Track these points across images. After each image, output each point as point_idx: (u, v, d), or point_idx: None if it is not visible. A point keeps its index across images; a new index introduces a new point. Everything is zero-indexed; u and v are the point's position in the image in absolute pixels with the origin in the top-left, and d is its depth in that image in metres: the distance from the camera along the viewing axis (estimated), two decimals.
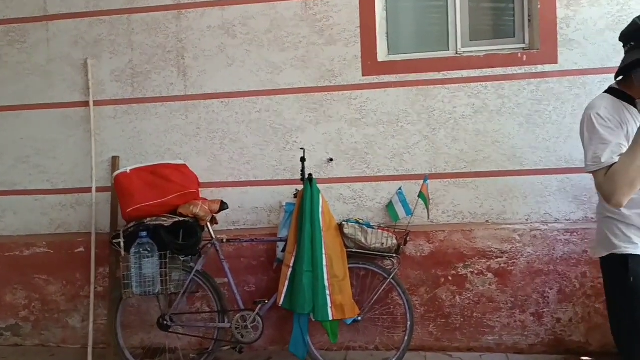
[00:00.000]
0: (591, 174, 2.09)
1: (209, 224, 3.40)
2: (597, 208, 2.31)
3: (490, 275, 3.51)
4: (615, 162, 1.99)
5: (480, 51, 3.59)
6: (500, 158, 3.53)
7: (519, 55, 3.48)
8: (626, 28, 2.13)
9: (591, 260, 3.40)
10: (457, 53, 3.64)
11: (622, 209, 2.06)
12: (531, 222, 3.51)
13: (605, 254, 2.18)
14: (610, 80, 3.35)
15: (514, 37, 3.62)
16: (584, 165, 2.13)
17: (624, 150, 2.00)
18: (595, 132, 2.05)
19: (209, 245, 3.42)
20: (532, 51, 3.49)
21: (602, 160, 2.02)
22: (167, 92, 3.81)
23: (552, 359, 3.43)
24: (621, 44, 3.29)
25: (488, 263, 3.50)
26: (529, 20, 3.57)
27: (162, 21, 3.77)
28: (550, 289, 3.46)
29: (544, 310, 3.48)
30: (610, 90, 2.17)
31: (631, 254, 2.09)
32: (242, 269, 3.66)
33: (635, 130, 2.00)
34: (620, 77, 2.15)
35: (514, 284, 3.49)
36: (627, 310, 2.10)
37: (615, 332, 2.21)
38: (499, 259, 3.49)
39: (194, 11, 3.74)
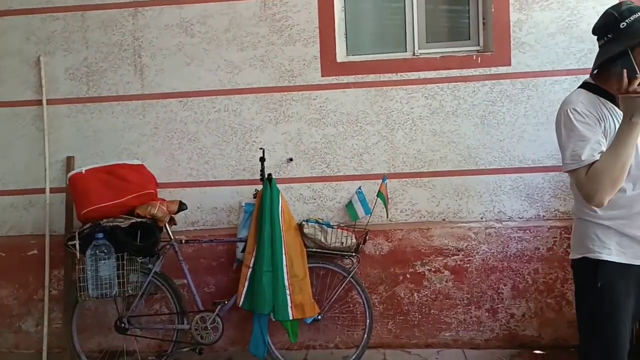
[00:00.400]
0: (568, 173, 2.04)
1: (167, 225, 3.42)
2: (573, 209, 2.24)
3: (447, 272, 3.64)
4: (597, 160, 1.93)
5: (436, 53, 3.71)
6: (456, 158, 3.67)
7: (474, 57, 3.62)
8: (600, 20, 2.06)
9: (543, 257, 3.57)
10: (414, 54, 3.75)
11: (599, 210, 2.04)
12: (486, 220, 3.66)
13: (578, 256, 2.15)
14: (561, 82, 3.56)
15: (469, 39, 3.76)
16: (563, 165, 2.05)
17: (603, 147, 1.96)
18: (573, 128, 1.99)
19: (168, 246, 3.45)
20: (486, 53, 3.64)
21: (583, 158, 1.95)
22: (123, 90, 3.80)
23: (506, 353, 3.59)
24: (571, 47, 3.47)
25: (445, 260, 3.63)
26: (484, 23, 3.71)
27: (118, 19, 3.77)
28: (504, 285, 3.62)
29: (499, 305, 3.64)
30: (585, 85, 2.11)
31: (603, 260, 2.06)
32: (201, 269, 3.69)
33: (612, 126, 1.98)
34: (595, 72, 2.08)
35: (469, 281, 3.63)
36: (590, 314, 2.09)
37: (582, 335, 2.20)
38: (455, 257, 3.63)
39: (151, 9, 3.74)
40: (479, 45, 3.74)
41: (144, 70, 3.78)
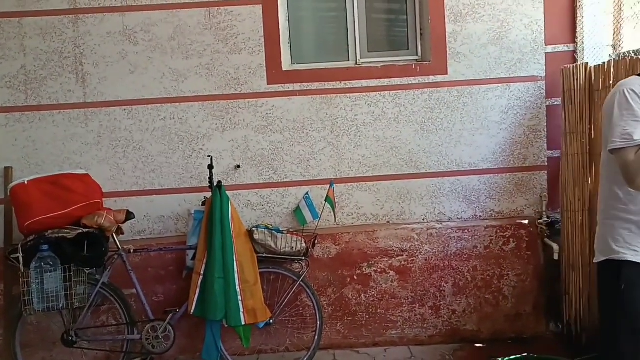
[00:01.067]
0: (613, 153, 2.01)
1: (114, 235, 3.47)
2: (601, 210, 2.22)
3: (392, 272, 3.88)
4: None
5: (377, 62, 3.96)
6: (399, 162, 3.92)
7: (413, 66, 3.90)
8: None
9: (480, 255, 3.88)
10: (356, 64, 3.99)
11: (632, 205, 2.05)
12: (427, 222, 3.94)
13: (602, 259, 2.16)
14: (493, 89, 3.89)
15: (408, 49, 4.04)
16: (609, 144, 2.01)
17: None
18: (629, 107, 1.97)
19: (115, 256, 3.50)
20: (424, 63, 3.92)
21: (635, 137, 1.93)
22: (64, 99, 3.81)
23: (449, 348, 3.85)
24: (502, 57, 3.80)
25: (390, 261, 3.88)
26: (421, 34, 4.00)
27: (57, 26, 3.78)
28: (446, 283, 3.90)
29: (441, 303, 3.91)
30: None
31: (628, 261, 2.06)
32: (150, 279, 3.75)
33: None
34: None
35: (413, 280, 3.89)
36: (616, 317, 2.11)
37: (604, 337, 2.23)
38: (399, 257, 3.87)
39: (93, 16, 3.78)
40: (417, 55, 4.02)
41: (86, 79, 3.81)
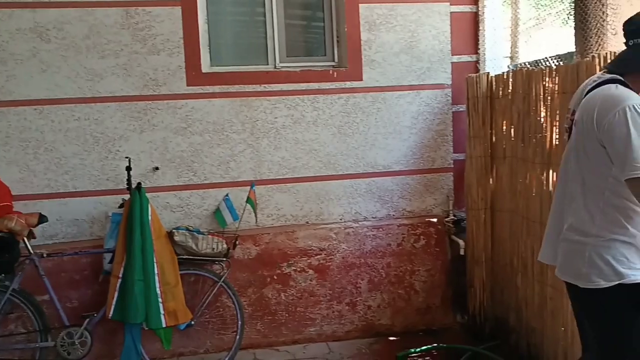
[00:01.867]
0: (632, 181, 1.85)
1: (25, 239, 3.41)
2: (585, 227, 2.06)
3: (311, 271, 4.08)
4: None
5: (296, 67, 4.15)
6: (317, 164, 4.13)
7: (330, 72, 4.12)
8: None
9: (394, 252, 4.16)
10: (275, 67, 4.15)
11: (633, 229, 1.97)
12: (345, 221, 4.18)
13: (605, 285, 1.99)
14: (404, 96, 4.19)
15: (325, 55, 4.26)
16: (627, 169, 1.85)
17: None
18: None
19: (27, 261, 3.43)
20: (341, 69, 4.16)
21: None
22: None
23: (365, 342, 4.09)
24: (413, 65, 4.10)
25: (309, 260, 4.07)
26: (338, 41, 4.23)
27: None
28: (362, 280, 4.15)
29: (357, 299, 4.16)
30: (618, 81, 2.00)
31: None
32: (64, 284, 3.69)
33: None
34: (626, 69, 2.03)
35: (331, 278, 4.10)
36: (631, 342, 2.01)
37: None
38: (318, 256, 4.08)
39: (0, 12, 3.68)
40: (334, 61, 4.25)
41: None
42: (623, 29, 2.07)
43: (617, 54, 2.19)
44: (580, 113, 2.05)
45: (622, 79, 2.00)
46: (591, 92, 2.03)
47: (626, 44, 2.06)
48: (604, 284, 1.98)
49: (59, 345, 3.41)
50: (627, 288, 1.96)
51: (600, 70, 2.37)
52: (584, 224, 2.04)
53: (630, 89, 1.97)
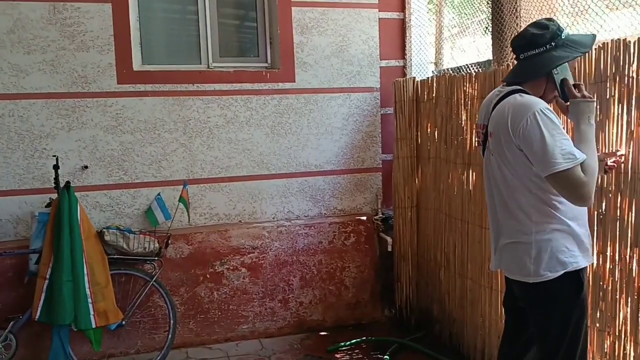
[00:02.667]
0: (556, 174, 1.98)
1: None
2: (523, 228, 2.18)
3: (244, 269, 4.14)
4: (586, 158, 1.99)
5: (229, 67, 4.19)
6: (250, 164, 4.20)
7: (263, 73, 4.20)
8: (537, 30, 2.15)
9: (325, 249, 4.29)
10: (208, 67, 4.18)
11: (568, 220, 2.11)
12: (277, 220, 4.26)
13: (552, 276, 2.12)
14: (335, 98, 4.32)
15: (258, 56, 4.33)
16: (547, 167, 1.98)
17: None
18: (555, 127, 1.99)
19: None
20: (274, 70, 4.24)
21: (577, 156, 1.96)
22: None
23: (297, 338, 4.19)
24: (343, 69, 4.24)
25: (242, 259, 4.12)
26: (271, 43, 4.31)
27: None
28: (294, 277, 4.25)
29: (289, 296, 4.26)
30: (522, 92, 2.16)
31: (582, 268, 2.14)
32: None
33: None
34: (527, 80, 2.18)
35: (264, 276, 4.18)
36: (576, 324, 2.15)
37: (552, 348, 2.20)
38: (251, 255, 4.14)
39: None
40: (267, 62, 4.33)
41: None
42: (512, 45, 2.26)
43: (511, 68, 2.37)
44: (494, 124, 2.19)
45: (522, 88, 2.17)
46: (499, 104, 2.18)
47: (517, 58, 2.25)
48: (551, 275, 2.11)
49: None
50: (570, 275, 2.11)
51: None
52: (522, 225, 2.16)
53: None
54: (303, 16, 4.22)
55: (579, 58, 2.29)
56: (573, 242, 2.13)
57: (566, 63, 2.13)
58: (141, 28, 4.05)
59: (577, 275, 2.13)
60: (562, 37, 2.13)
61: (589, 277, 2.57)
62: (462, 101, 3.59)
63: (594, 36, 2.26)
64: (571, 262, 2.11)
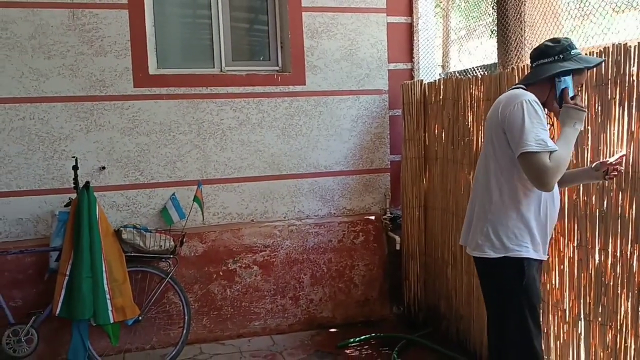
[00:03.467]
0: (524, 155, 2.19)
1: None
2: (486, 206, 2.39)
3: (255, 267, 4.23)
4: (557, 149, 2.19)
5: (242, 70, 4.29)
6: (262, 165, 4.30)
7: (275, 76, 4.30)
8: (552, 44, 2.39)
9: (335, 248, 4.38)
10: (221, 71, 4.29)
11: (528, 213, 2.31)
12: (288, 219, 4.36)
13: (495, 255, 2.32)
14: (345, 100, 4.41)
15: (270, 60, 4.44)
16: (520, 147, 2.18)
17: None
18: (536, 116, 2.21)
19: None
20: (285, 73, 4.35)
21: (549, 145, 2.17)
22: None
23: (307, 335, 4.28)
24: (352, 72, 4.33)
25: (254, 257, 4.22)
26: (282, 47, 4.42)
27: None
28: (305, 275, 4.34)
29: (300, 293, 4.35)
30: (520, 88, 2.40)
31: (525, 257, 2.30)
32: (7, 283, 3.68)
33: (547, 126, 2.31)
34: (532, 82, 2.40)
35: (275, 273, 4.27)
36: (514, 311, 2.34)
37: (495, 333, 2.46)
38: (263, 253, 4.24)
39: None
40: (278, 65, 4.43)
41: None
42: (530, 56, 2.51)
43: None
44: (490, 112, 2.46)
45: (523, 86, 2.41)
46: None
47: (531, 66, 2.49)
48: (493, 254, 2.33)
49: (5, 343, 3.41)
50: (512, 261, 2.31)
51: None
52: (486, 202, 2.40)
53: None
54: (313, 21, 4.32)
55: (585, 73, 2.45)
56: (525, 233, 2.32)
57: (570, 76, 2.33)
58: (156, 33, 4.17)
59: (519, 263, 2.31)
60: (572, 53, 2.35)
61: (591, 272, 2.68)
62: (469, 103, 3.67)
63: (602, 60, 2.47)
64: (514, 249, 2.30)
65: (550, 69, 2.34)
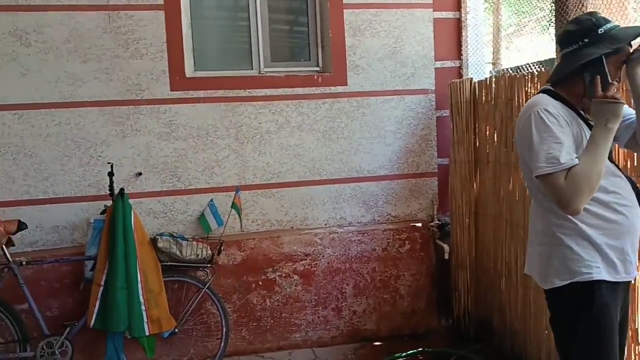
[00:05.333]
0: (539, 179, 1.92)
1: (4, 247, 3.29)
2: (537, 230, 2.12)
3: (296, 277, 4.00)
4: (575, 165, 1.86)
5: (280, 72, 4.08)
6: (302, 169, 4.07)
7: (315, 77, 4.07)
8: (571, 26, 2.03)
9: (379, 257, 4.11)
10: (260, 73, 4.08)
11: (580, 223, 1.95)
12: (329, 226, 4.12)
13: (560, 283, 1.99)
14: (389, 101, 4.15)
15: (310, 60, 4.21)
16: (533, 169, 1.92)
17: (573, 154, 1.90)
18: (547, 129, 1.90)
19: (5, 270, 3.31)
20: (325, 74, 4.11)
21: (562, 161, 1.85)
22: None
23: (351, 348, 4.03)
24: (397, 71, 4.07)
25: (294, 266, 3.99)
26: (322, 46, 4.18)
27: None
28: (347, 285, 4.09)
29: (343, 304, 4.09)
30: (545, 92, 2.07)
31: (596, 280, 1.94)
32: (44, 292, 3.56)
33: (576, 132, 1.95)
34: (558, 78, 2.06)
35: (316, 283, 4.03)
36: (590, 342, 1.96)
37: None
38: (303, 262, 4.00)
39: None
40: (318, 66, 4.20)
41: None
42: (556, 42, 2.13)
43: None
44: None
45: (552, 89, 2.06)
46: None
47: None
48: (559, 282, 2.00)
49: (39, 355, 3.29)
50: (579, 286, 1.97)
51: None
52: (538, 227, 2.10)
53: (563, 98, 2.02)
54: (355, 18, 4.08)
55: (626, 49, 2.00)
56: (592, 251, 1.95)
57: (602, 60, 1.94)
58: (193, 35, 4.00)
59: (589, 287, 1.95)
60: (599, 33, 1.95)
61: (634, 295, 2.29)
62: (524, 102, 3.35)
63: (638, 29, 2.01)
64: (582, 271, 1.95)
65: (574, 60, 1.97)
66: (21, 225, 3.34)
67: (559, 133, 1.89)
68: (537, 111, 1.93)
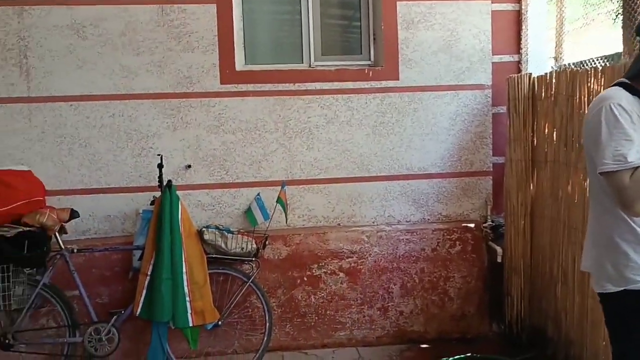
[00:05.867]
0: (604, 175, 1.86)
1: (57, 234, 3.37)
2: (593, 230, 2.07)
3: (341, 274, 3.92)
4: None
5: (331, 66, 4.00)
6: (350, 165, 3.98)
7: (366, 71, 3.96)
8: None
9: (428, 257, 3.97)
10: (310, 66, 4.02)
11: (638, 228, 1.89)
12: (377, 224, 4.00)
13: (614, 289, 1.95)
14: (442, 96, 3.99)
15: (361, 54, 4.10)
16: (598, 165, 1.86)
17: None
18: (618, 125, 1.81)
19: (58, 256, 3.39)
20: (377, 68, 4.00)
21: (630, 160, 1.78)
22: (6, 92, 3.67)
23: (396, 349, 3.92)
24: (451, 65, 3.90)
25: (340, 263, 3.91)
26: (374, 39, 4.07)
27: (1, 17, 3.64)
28: (394, 285, 3.97)
29: (389, 304, 3.98)
30: (621, 84, 1.94)
31: None
32: (94, 280, 3.64)
33: None
34: (633, 73, 1.96)
35: (362, 282, 3.94)
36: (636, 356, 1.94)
37: None
38: (349, 259, 3.91)
39: (39, 8, 3.65)
40: (370, 60, 4.09)
41: (31, 72, 3.68)
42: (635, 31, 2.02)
43: None
44: None
45: (628, 81, 1.94)
46: None
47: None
48: (612, 288, 1.96)
49: (87, 341, 3.36)
50: (632, 294, 1.92)
51: None
52: (596, 229, 2.05)
53: (636, 91, 1.90)
54: (409, 10, 3.94)
55: None
56: None
57: None
58: (244, 28, 3.99)
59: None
60: None
61: None
62: (586, 98, 3.13)
63: None
64: (637, 279, 1.90)
65: None
66: (73, 214, 3.41)
67: (630, 130, 1.80)
68: (609, 105, 1.84)
